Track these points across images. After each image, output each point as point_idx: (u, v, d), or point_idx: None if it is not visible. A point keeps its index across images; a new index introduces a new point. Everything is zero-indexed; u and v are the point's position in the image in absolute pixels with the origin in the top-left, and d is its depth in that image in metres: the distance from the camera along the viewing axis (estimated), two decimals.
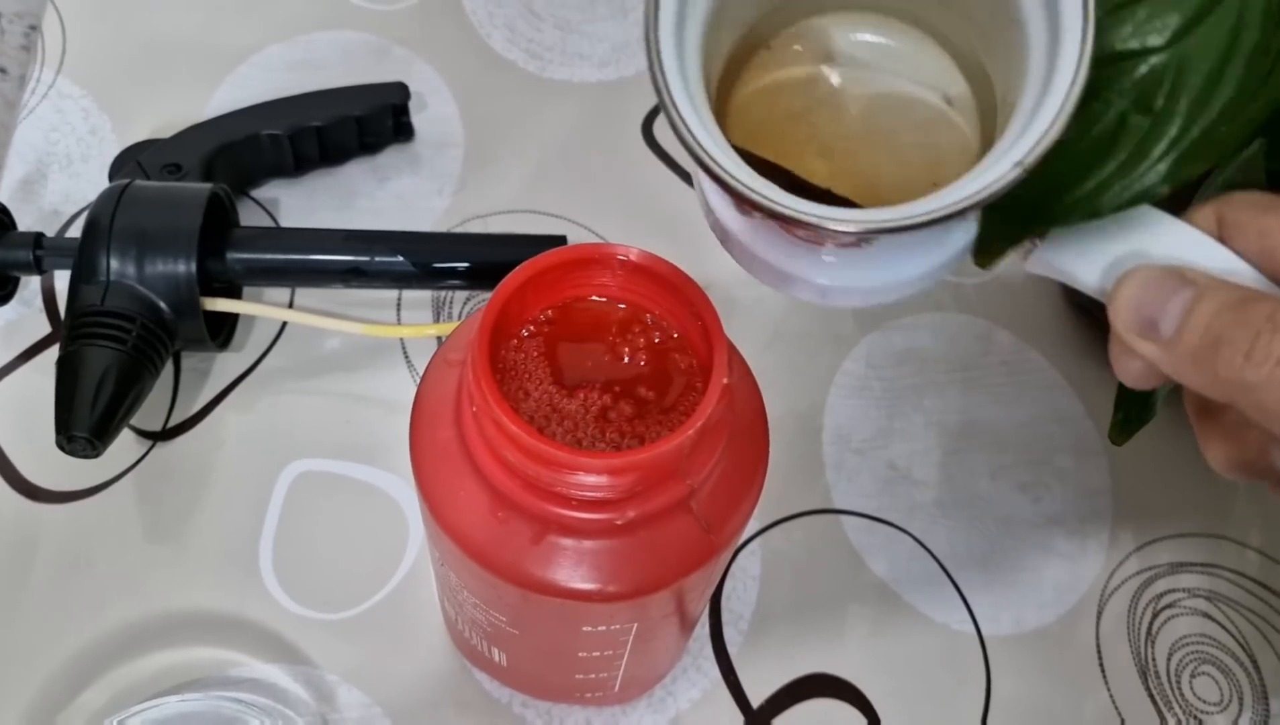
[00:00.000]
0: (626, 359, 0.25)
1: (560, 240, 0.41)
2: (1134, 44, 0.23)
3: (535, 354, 0.25)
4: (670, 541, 0.24)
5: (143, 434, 0.39)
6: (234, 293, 0.41)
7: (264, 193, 0.44)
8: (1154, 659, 0.39)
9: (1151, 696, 0.38)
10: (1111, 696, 0.38)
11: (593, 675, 0.30)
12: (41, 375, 0.40)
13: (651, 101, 0.49)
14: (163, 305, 0.36)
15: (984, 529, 0.41)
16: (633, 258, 0.24)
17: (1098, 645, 0.39)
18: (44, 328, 0.41)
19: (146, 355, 0.36)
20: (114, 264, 0.36)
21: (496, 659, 0.31)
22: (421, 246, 0.39)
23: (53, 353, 0.40)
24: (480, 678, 0.36)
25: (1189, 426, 0.28)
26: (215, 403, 0.40)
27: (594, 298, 0.25)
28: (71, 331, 0.35)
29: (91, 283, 0.36)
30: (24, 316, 0.41)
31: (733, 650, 0.37)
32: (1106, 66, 0.23)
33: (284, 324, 0.41)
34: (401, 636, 0.36)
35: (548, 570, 0.24)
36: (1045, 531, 0.41)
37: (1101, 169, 0.23)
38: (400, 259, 0.39)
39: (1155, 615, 0.40)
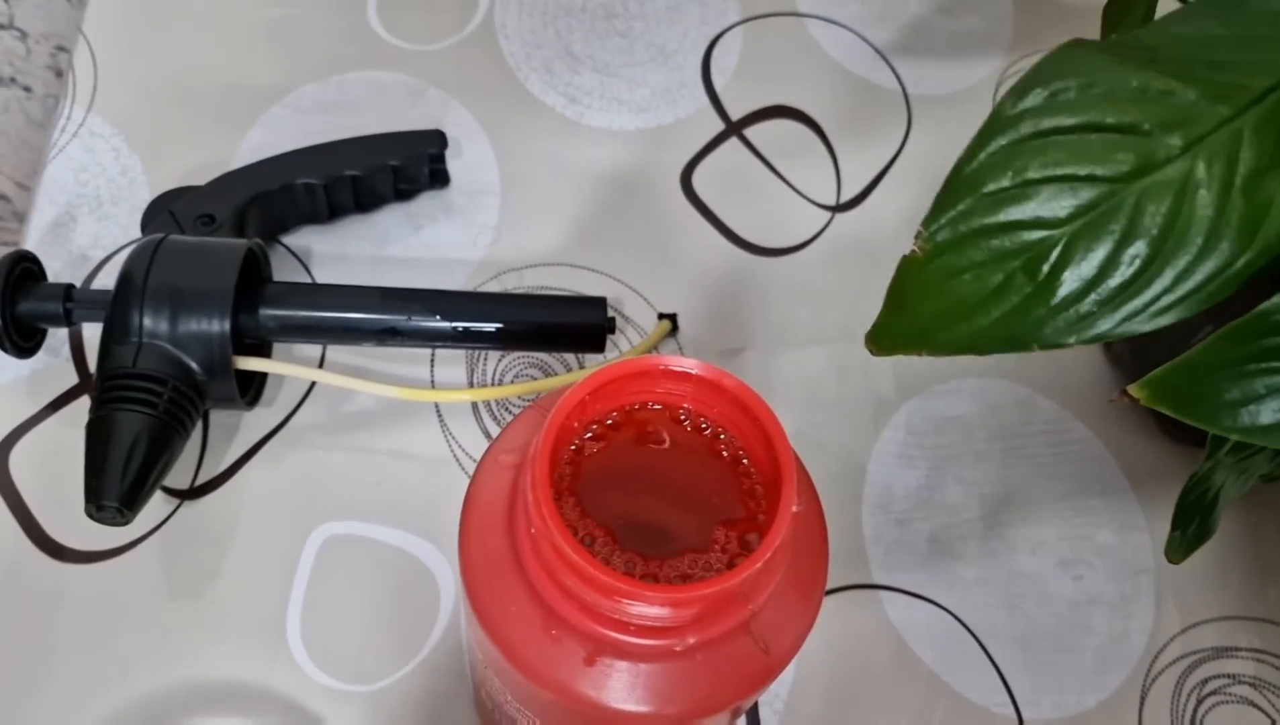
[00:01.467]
0: (688, 475, 0.24)
1: (601, 303, 0.40)
2: (1031, 216, 0.23)
3: (594, 468, 0.24)
4: (728, 663, 0.24)
5: (170, 492, 0.38)
6: (265, 349, 0.40)
7: (296, 240, 0.44)
8: None
9: None
10: None
11: None
12: (69, 428, 0.39)
13: (691, 150, 0.48)
14: (194, 365, 0.35)
15: (1025, 608, 0.40)
16: (701, 372, 0.24)
17: None
18: (71, 378, 0.40)
19: (178, 418, 0.35)
20: (147, 322, 0.35)
21: None
22: (461, 307, 0.39)
23: (81, 404, 0.39)
24: None
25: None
26: (244, 460, 0.39)
27: (654, 406, 0.24)
28: (103, 393, 0.34)
29: (124, 343, 0.35)
30: (51, 367, 0.40)
31: None
32: (1005, 231, 0.24)
33: (312, 383, 0.41)
34: (432, 711, 0.35)
35: (601, 692, 0.23)
36: (1085, 611, 0.40)
37: (985, 316, 0.25)
38: (438, 319, 0.38)
39: (1200, 701, 0.39)
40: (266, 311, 0.38)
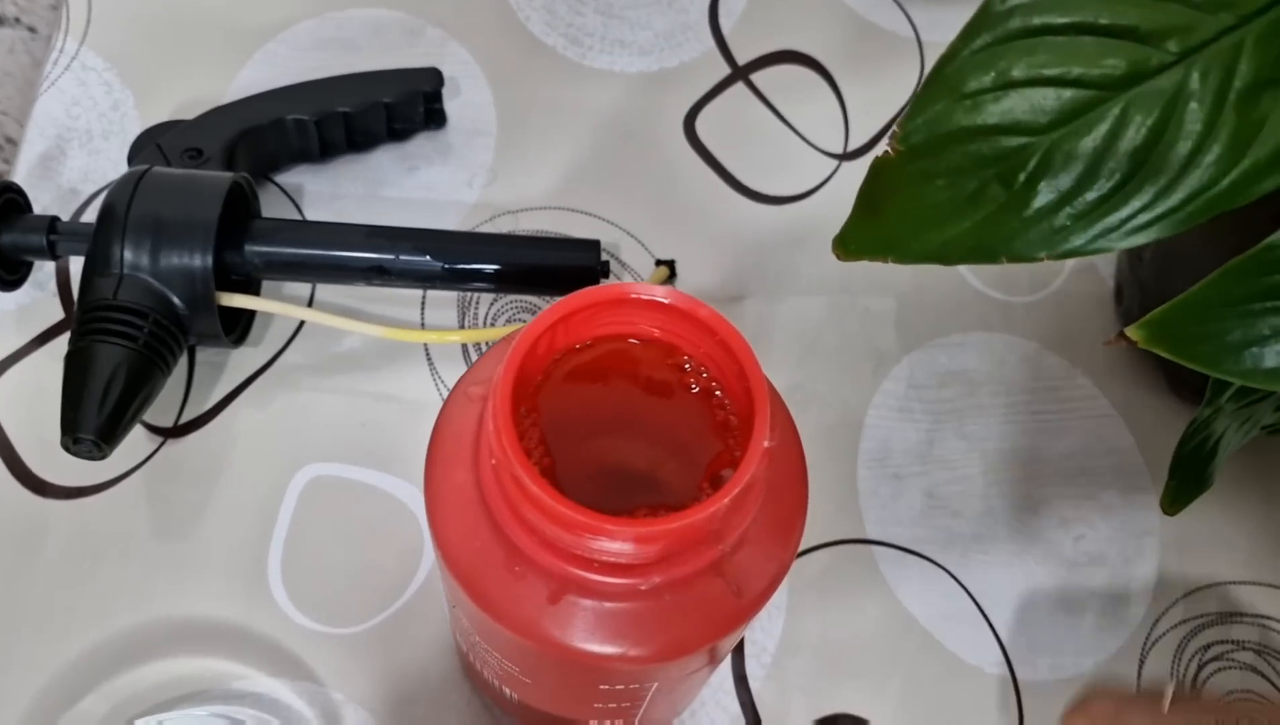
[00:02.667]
0: (659, 407, 0.23)
1: (594, 245, 0.39)
2: (1011, 120, 0.22)
3: (562, 400, 0.23)
4: (697, 605, 0.23)
5: (154, 430, 0.38)
6: (253, 287, 0.39)
7: (288, 179, 0.43)
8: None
9: None
10: None
11: (607, 722, 0.29)
12: (53, 363, 0.38)
13: (695, 95, 0.46)
14: (176, 300, 0.35)
15: (1023, 567, 0.39)
16: (673, 301, 0.23)
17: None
18: (57, 313, 0.39)
19: (158, 352, 0.34)
20: (128, 255, 0.34)
21: (508, 695, 0.30)
22: (449, 246, 0.38)
23: (66, 340, 0.39)
24: (491, 705, 0.34)
25: (1245, 470, 0.26)
26: (229, 400, 0.38)
27: (628, 340, 0.23)
28: (81, 325, 0.34)
29: (105, 275, 0.34)
30: (38, 301, 0.39)
31: (754, 685, 0.36)
32: (983, 136, 0.22)
33: (303, 320, 0.40)
34: (413, 656, 0.35)
35: (565, 631, 0.22)
36: (1087, 572, 0.39)
37: (957, 225, 0.24)
38: (427, 258, 0.37)
39: (1201, 667, 0.38)
40: (252, 247, 0.37)
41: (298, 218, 0.42)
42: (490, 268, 0.38)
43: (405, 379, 0.39)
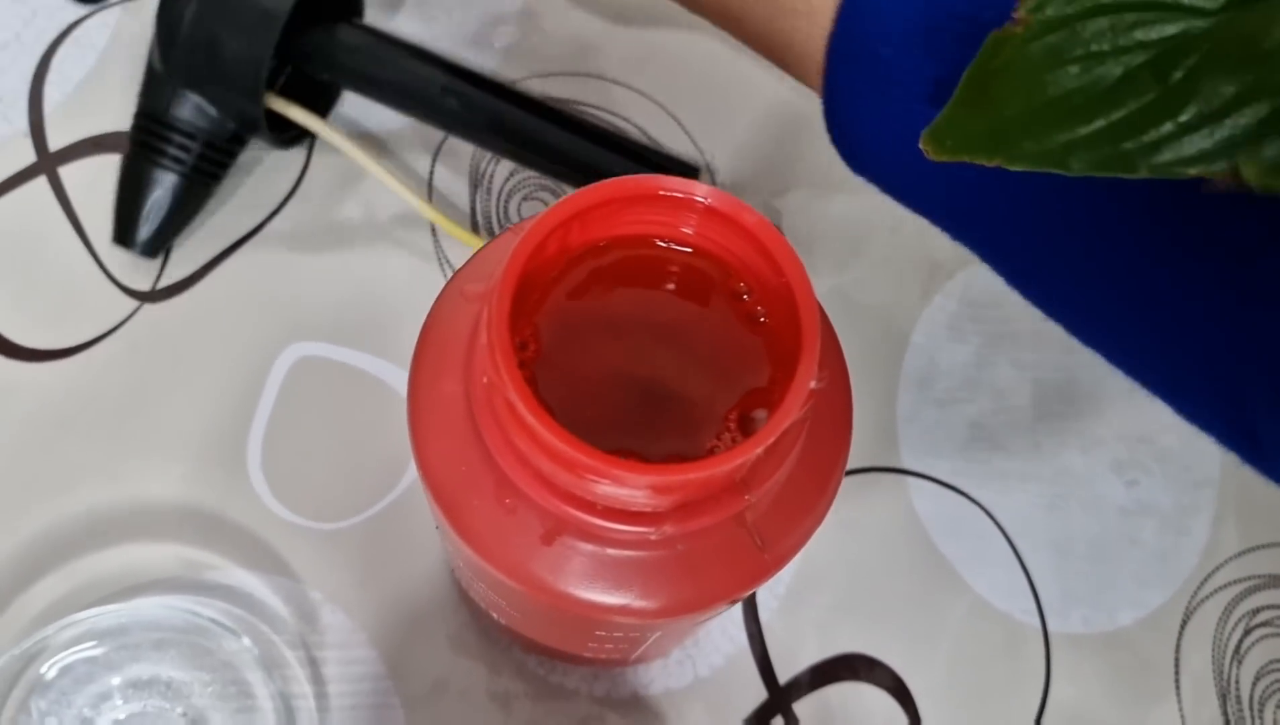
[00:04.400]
0: (686, 328, 0.20)
1: (693, 171, 0.35)
2: None
3: (572, 312, 0.19)
4: (715, 559, 0.20)
5: (130, 293, 0.34)
6: (326, 94, 0.36)
7: None
8: (1238, 681, 0.34)
9: (1228, 722, 0.34)
10: (1183, 717, 0.34)
11: (603, 657, 0.26)
12: (23, 209, 0.35)
13: None
14: (230, 98, 0.33)
15: (1067, 510, 0.35)
16: (712, 201, 0.19)
17: (1176, 658, 0.34)
18: (28, 156, 0.35)
19: (207, 173, 0.34)
20: (185, 58, 0.32)
21: (496, 617, 0.27)
22: (528, 111, 0.33)
23: (37, 185, 0.35)
24: (480, 617, 0.32)
25: None
26: (213, 264, 0.35)
27: (654, 243, 0.20)
28: (136, 132, 0.34)
29: (159, 83, 0.33)
30: (6, 139, 0.35)
31: (765, 617, 0.33)
32: (1136, 11, 0.17)
33: (298, 181, 0.36)
34: (396, 559, 0.32)
35: (559, 577, 0.19)
36: (1136, 521, 0.36)
37: (1088, 121, 0.18)
38: (508, 114, 0.33)
39: (1248, 632, 0.35)
40: (321, 46, 0.33)
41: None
42: (565, 148, 0.33)
43: (407, 255, 0.36)
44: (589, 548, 0.19)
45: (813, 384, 0.17)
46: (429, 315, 0.21)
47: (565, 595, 0.19)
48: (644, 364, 0.20)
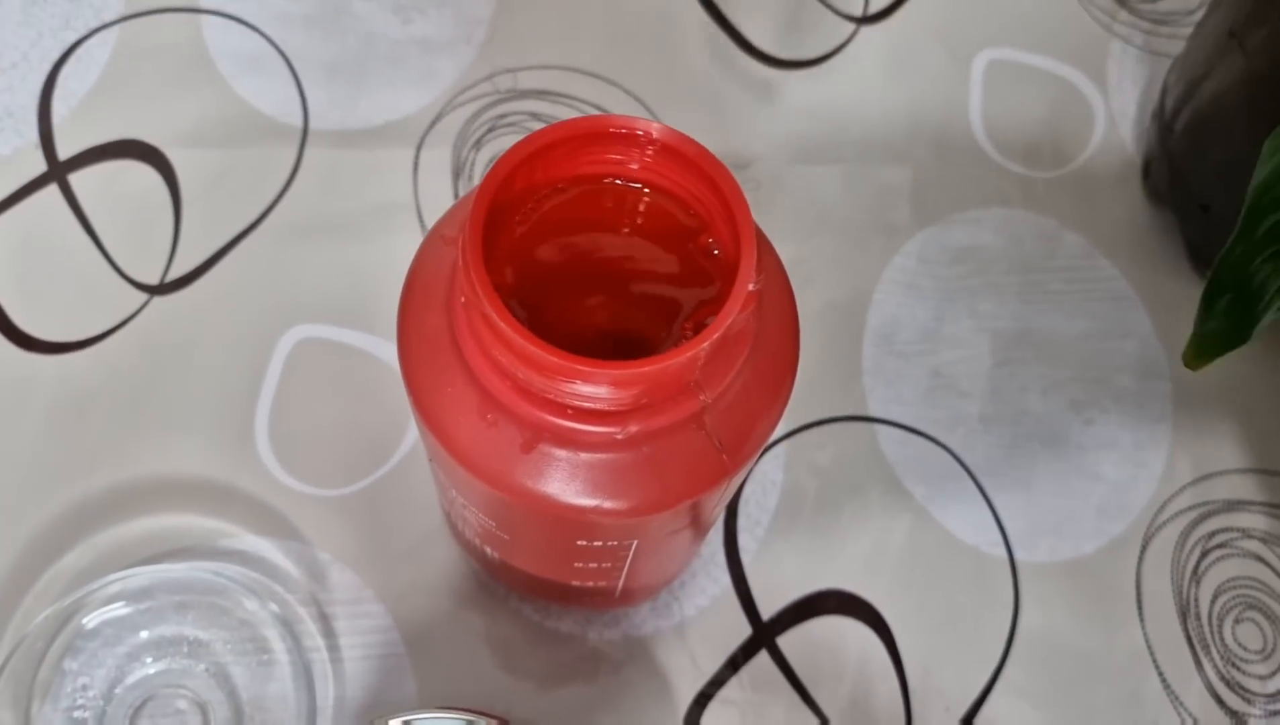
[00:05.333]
0: (643, 251, 0.22)
1: None
2: None
3: (538, 241, 0.22)
4: (678, 460, 0.22)
5: (140, 287, 0.37)
6: None
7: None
8: (1197, 600, 0.36)
9: (1189, 639, 0.36)
10: (1146, 636, 0.36)
11: (590, 584, 0.28)
12: (37, 215, 0.37)
13: None
14: None
15: (1029, 449, 0.38)
16: (658, 135, 0.21)
17: (1138, 581, 0.36)
18: (39, 166, 0.38)
19: None
20: None
21: (489, 555, 0.29)
22: None
23: (48, 194, 0.38)
24: (477, 568, 0.34)
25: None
26: (217, 257, 0.37)
27: (612, 180, 0.22)
28: None
29: None
30: (19, 152, 0.38)
31: (746, 558, 0.35)
32: None
33: (291, 176, 0.39)
34: (399, 518, 0.34)
35: (538, 481, 0.22)
36: (1095, 456, 0.38)
37: None
38: None
39: (1204, 554, 0.37)
40: None
41: None
42: None
43: (396, 241, 0.38)
44: (564, 452, 0.21)
45: (751, 285, 0.20)
46: (413, 260, 0.24)
47: (545, 498, 0.22)
48: (608, 299, 0.22)
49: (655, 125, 0.21)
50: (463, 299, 0.21)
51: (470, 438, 0.22)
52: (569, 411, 0.21)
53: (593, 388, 0.20)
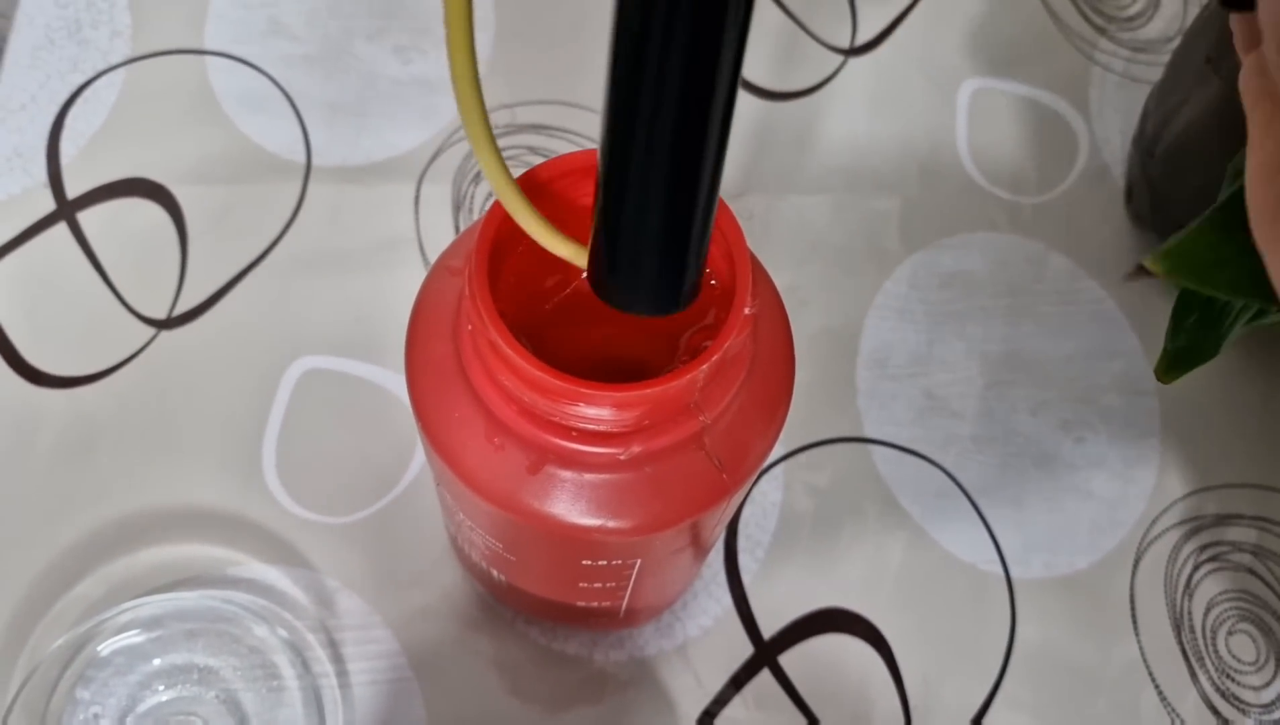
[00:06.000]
0: None
1: None
2: None
3: (541, 273, 0.23)
4: (679, 479, 0.23)
5: (148, 322, 0.38)
6: None
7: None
8: (1190, 613, 0.37)
9: (1184, 651, 0.36)
10: (1141, 649, 0.36)
11: (595, 604, 0.29)
12: (47, 252, 0.38)
13: None
14: None
15: (1021, 467, 0.38)
16: None
17: (1131, 595, 0.37)
18: (49, 204, 0.39)
19: None
20: None
21: (496, 578, 0.30)
22: None
23: (58, 231, 0.38)
24: (484, 592, 0.35)
25: (1249, 370, 0.25)
26: (223, 292, 0.38)
27: None
28: None
29: None
30: (28, 190, 0.39)
31: (747, 579, 0.36)
32: None
33: (295, 212, 0.39)
34: (405, 545, 0.35)
35: (544, 502, 0.22)
36: (1085, 474, 0.39)
37: None
38: None
39: (1196, 568, 0.38)
40: None
41: None
42: None
43: (399, 274, 0.39)
44: (569, 473, 0.22)
45: (748, 310, 0.21)
46: (420, 291, 0.25)
47: (551, 518, 0.22)
48: (609, 329, 0.23)
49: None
50: (469, 326, 0.21)
51: (477, 461, 0.23)
52: (573, 433, 0.21)
53: (596, 410, 0.20)
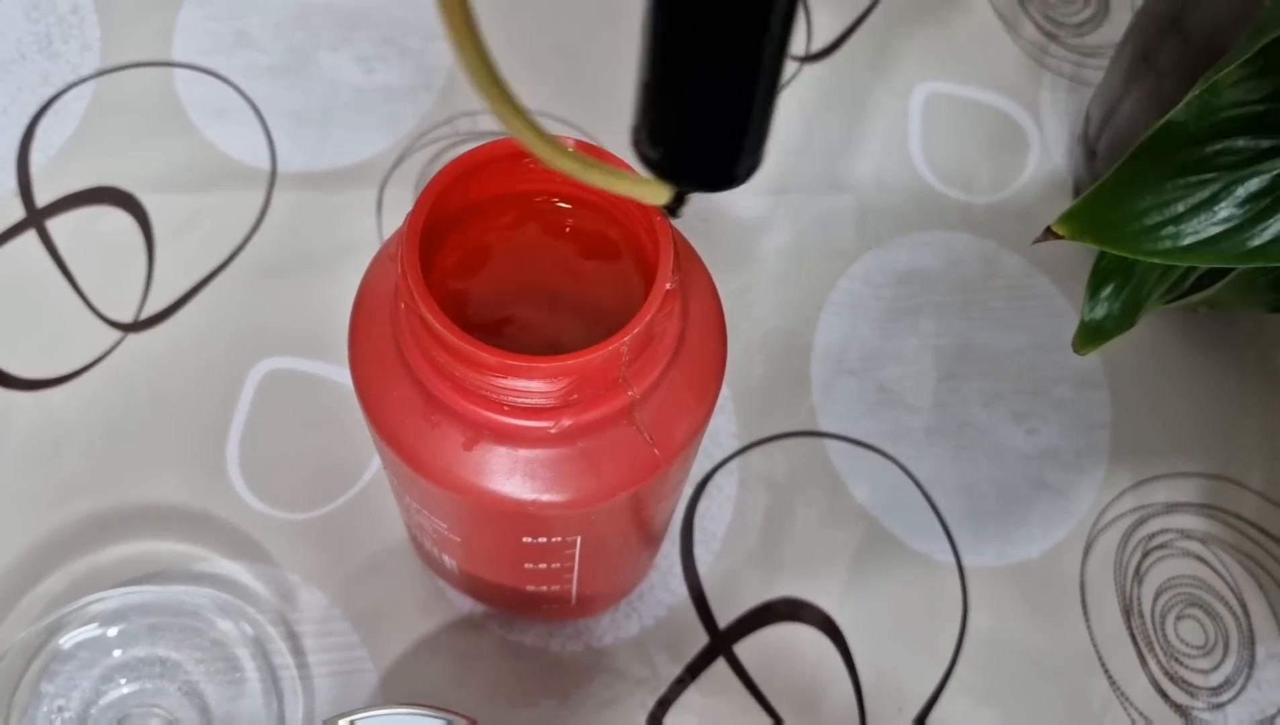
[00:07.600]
0: (572, 260, 0.24)
1: None
2: None
3: (473, 252, 0.23)
4: (611, 453, 0.23)
5: (114, 325, 0.38)
6: None
7: None
8: (1139, 599, 0.37)
9: (1133, 637, 0.37)
10: (1091, 635, 0.37)
11: (544, 588, 0.30)
12: (15, 260, 0.39)
13: None
14: None
15: (973, 459, 0.39)
16: (581, 150, 0.23)
17: (1082, 582, 0.38)
18: (18, 212, 0.40)
19: None
20: None
21: (448, 564, 0.31)
22: None
23: (27, 238, 0.39)
24: (442, 584, 0.35)
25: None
26: (189, 296, 0.39)
27: (544, 198, 0.24)
28: None
29: None
30: None
31: (702, 569, 0.37)
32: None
33: (261, 216, 0.40)
34: (365, 540, 0.36)
35: (480, 477, 0.23)
36: (1037, 464, 0.39)
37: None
38: None
39: (1145, 555, 0.38)
40: None
41: None
42: None
43: (358, 276, 0.40)
44: (503, 448, 0.23)
45: (669, 285, 0.21)
46: (362, 278, 0.25)
47: (487, 492, 0.23)
48: (544, 307, 0.24)
49: (581, 143, 0.23)
50: (402, 305, 0.22)
51: (416, 439, 0.23)
52: (505, 408, 0.22)
53: (525, 382, 0.21)
